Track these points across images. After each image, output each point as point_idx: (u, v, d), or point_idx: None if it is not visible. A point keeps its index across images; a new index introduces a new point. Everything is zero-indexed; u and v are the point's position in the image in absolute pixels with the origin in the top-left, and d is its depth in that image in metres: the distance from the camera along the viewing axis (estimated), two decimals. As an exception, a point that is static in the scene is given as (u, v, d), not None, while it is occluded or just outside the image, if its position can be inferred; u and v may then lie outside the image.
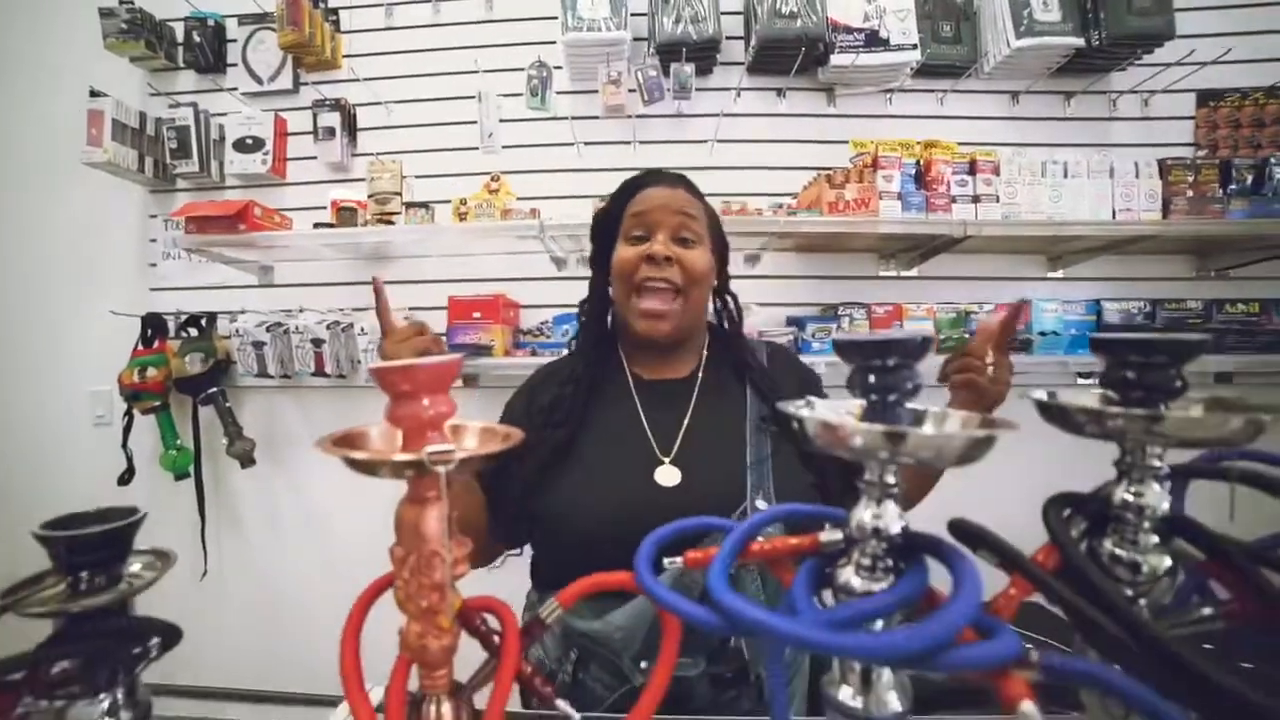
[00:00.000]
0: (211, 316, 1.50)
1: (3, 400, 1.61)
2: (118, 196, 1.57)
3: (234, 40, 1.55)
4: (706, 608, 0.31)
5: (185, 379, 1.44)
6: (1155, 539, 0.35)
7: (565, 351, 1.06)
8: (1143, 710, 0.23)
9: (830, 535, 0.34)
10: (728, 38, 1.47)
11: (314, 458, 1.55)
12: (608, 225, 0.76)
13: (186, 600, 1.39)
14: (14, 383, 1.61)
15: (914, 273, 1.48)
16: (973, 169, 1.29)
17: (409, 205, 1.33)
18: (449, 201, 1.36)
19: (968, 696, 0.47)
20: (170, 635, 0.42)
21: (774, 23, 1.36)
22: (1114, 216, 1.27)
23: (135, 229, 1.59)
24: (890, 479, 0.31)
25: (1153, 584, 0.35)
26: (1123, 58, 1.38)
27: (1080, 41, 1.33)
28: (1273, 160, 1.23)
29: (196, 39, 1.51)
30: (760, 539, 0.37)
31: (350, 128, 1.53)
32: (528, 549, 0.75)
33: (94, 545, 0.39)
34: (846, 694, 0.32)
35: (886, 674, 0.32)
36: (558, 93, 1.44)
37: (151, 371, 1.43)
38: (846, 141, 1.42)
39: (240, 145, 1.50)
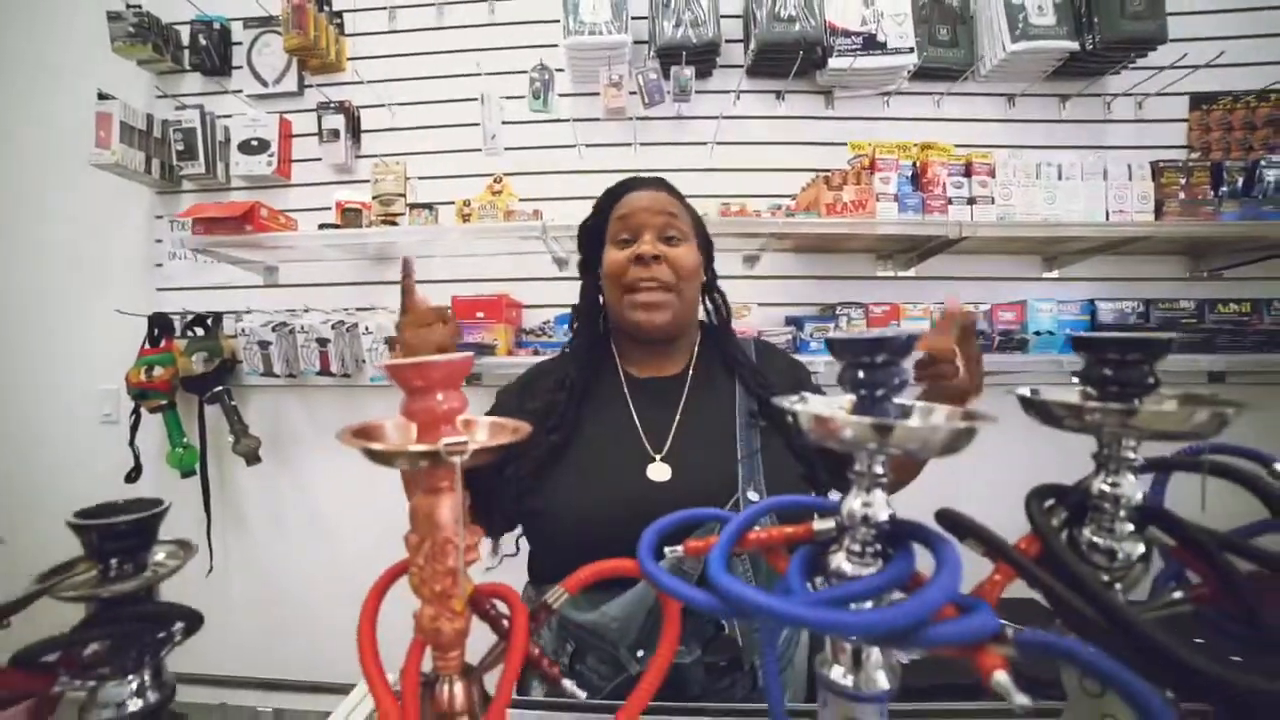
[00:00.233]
0: (217, 316, 1.52)
1: (11, 399, 1.63)
2: (124, 198, 1.59)
3: (239, 43, 1.57)
4: (706, 591, 0.33)
5: (191, 378, 1.46)
6: (1130, 527, 0.37)
7: (566, 351, 1.07)
8: (1106, 680, 0.25)
9: (823, 524, 0.36)
10: (727, 41, 1.49)
11: (319, 456, 1.58)
12: (594, 233, 0.79)
13: (193, 596, 1.39)
14: (22, 381, 1.63)
15: (911, 273, 1.50)
16: (968, 171, 1.31)
17: (413, 206, 1.35)
18: (452, 203, 1.38)
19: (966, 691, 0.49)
20: (193, 620, 0.44)
21: (773, 26, 1.38)
22: (1107, 218, 1.29)
23: (141, 230, 1.61)
24: (879, 469, 0.33)
25: (1128, 569, 0.37)
26: (1116, 61, 1.40)
27: (1075, 45, 1.35)
28: (1263, 163, 1.25)
29: (203, 42, 1.53)
30: (757, 528, 0.39)
31: (354, 130, 1.55)
32: (526, 549, 0.76)
33: (123, 534, 0.41)
34: (838, 673, 0.34)
35: (875, 654, 0.34)
36: (559, 95, 1.46)
37: (158, 370, 1.45)
38: (844, 143, 1.44)
39: (245, 147, 1.51)
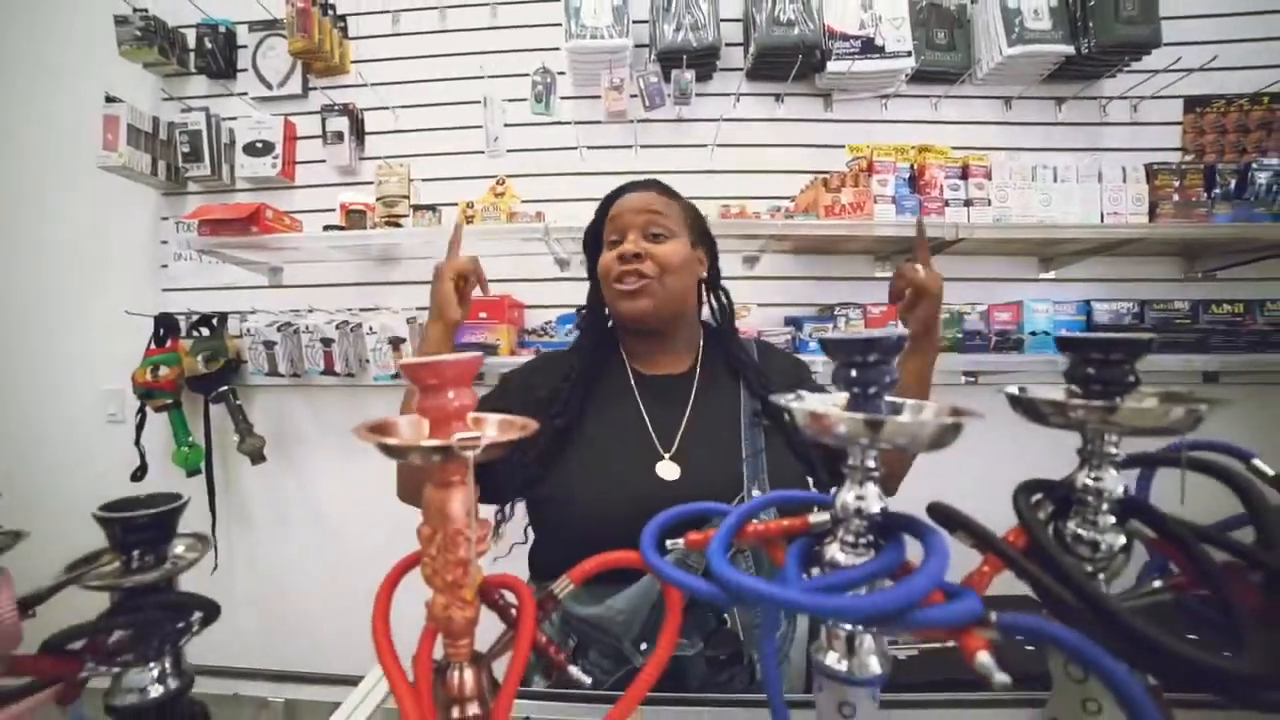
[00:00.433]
0: (222, 316, 1.53)
1: (17, 399, 1.65)
2: (130, 199, 1.60)
3: (244, 46, 1.59)
4: (707, 581, 0.34)
5: (197, 377, 1.48)
6: (1112, 519, 0.38)
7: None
8: (1081, 659, 0.26)
9: (818, 516, 0.38)
10: (727, 45, 1.50)
11: (322, 455, 1.60)
12: (595, 237, 0.82)
13: (198, 593, 1.42)
14: (28, 382, 1.64)
15: (909, 274, 1.52)
16: (965, 173, 1.33)
17: (416, 208, 1.37)
18: (455, 204, 1.39)
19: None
20: (210, 611, 0.46)
21: (772, 30, 1.40)
22: (1102, 220, 1.31)
23: (147, 231, 1.62)
24: (871, 463, 0.34)
25: (1110, 560, 0.38)
26: (1112, 65, 1.41)
27: (1070, 49, 1.37)
28: (1255, 166, 1.27)
29: (208, 45, 1.54)
30: (755, 521, 0.41)
31: (358, 132, 1.57)
32: (514, 530, 0.78)
33: (145, 527, 0.42)
34: (833, 659, 0.35)
35: (868, 640, 0.35)
36: (561, 98, 1.47)
37: (164, 370, 1.47)
38: (843, 146, 1.46)
39: (250, 149, 1.53)
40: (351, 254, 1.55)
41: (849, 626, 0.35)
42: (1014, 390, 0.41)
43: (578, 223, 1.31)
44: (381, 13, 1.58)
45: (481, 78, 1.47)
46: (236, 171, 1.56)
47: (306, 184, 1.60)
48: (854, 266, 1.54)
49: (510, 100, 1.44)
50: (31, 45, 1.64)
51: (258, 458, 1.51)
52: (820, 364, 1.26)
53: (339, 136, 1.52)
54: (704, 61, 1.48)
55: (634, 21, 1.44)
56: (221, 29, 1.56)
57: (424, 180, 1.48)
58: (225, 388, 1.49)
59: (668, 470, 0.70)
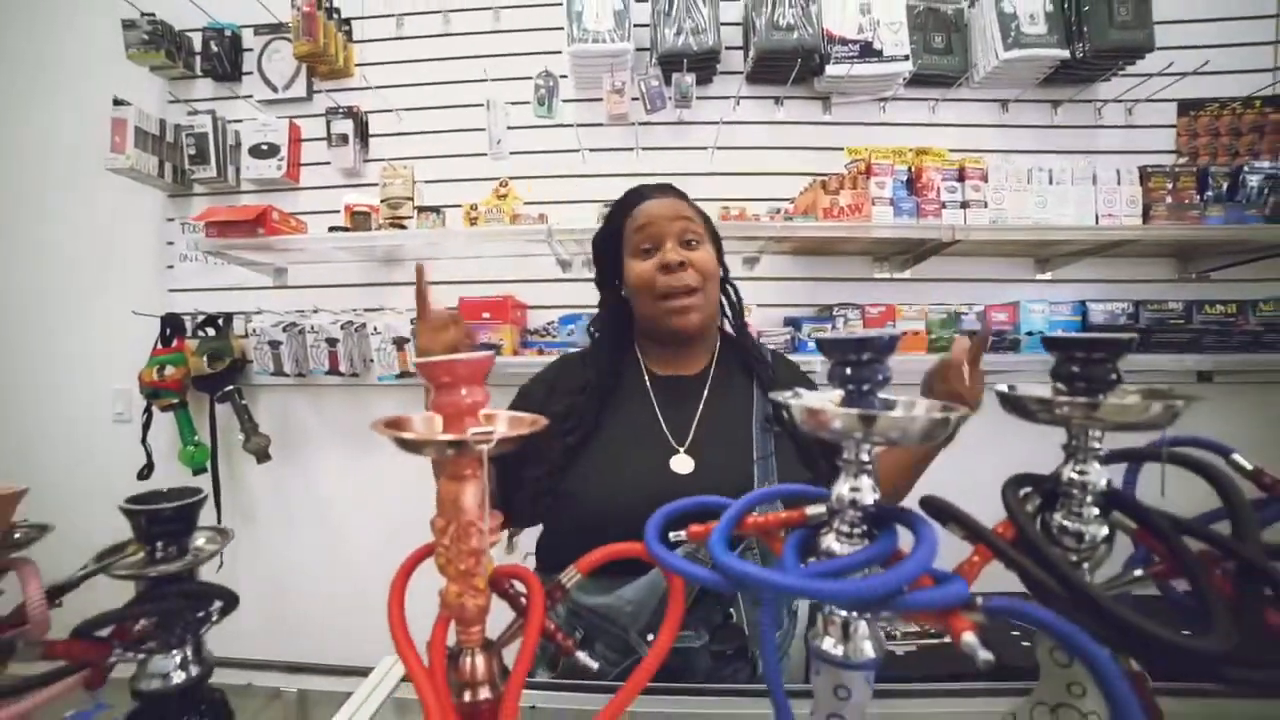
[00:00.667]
0: (228, 317, 1.55)
1: (26, 398, 1.66)
2: (136, 201, 1.62)
3: (250, 50, 1.61)
4: (707, 569, 0.36)
5: (202, 377, 1.49)
6: (1096, 511, 0.40)
7: (571, 350, 1.10)
8: (1058, 637, 0.28)
9: (815, 509, 0.39)
10: (727, 48, 1.52)
11: (327, 454, 1.61)
12: (610, 244, 0.81)
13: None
14: (35, 381, 1.66)
15: (907, 275, 1.54)
16: (962, 176, 1.35)
17: (421, 209, 1.38)
18: (459, 206, 1.41)
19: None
20: (229, 600, 0.48)
21: (772, 34, 1.41)
22: (1097, 222, 1.32)
23: (153, 232, 1.64)
24: (865, 457, 0.36)
25: (1094, 550, 0.40)
26: (1106, 68, 1.43)
27: (1065, 53, 1.39)
28: (1246, 169, 1.29)
29: (214, 49, 1.56)
30: (755, 514, 0.43)
31: (362, 134, 1.58)
32: (529, 540, 0.79)
33: (168, 519, 0.44)
34: (829, 644, 0.37)
35: (863, 626, 0.37)
36: (563, 101, 1.49)
37: (170, 370, 1.49)
38: (842, 148, 1.48)
39: (256, 151, 1.55)
40: (356, 255, 1.56)
41: (844, 613, 0.37)
42: (1003, 388, 0.42)
43: (580, 224, 1.34)
44: (385, 16, 1.60)
45: (484, 81, 1.49)
46: (242, 173, 1.58)
47: (311, 186, 1.61)
48: (852, 267, 1.56)
49: (513, 103, 1.46)
50: (39, 48, 1.65)
51: (263, 456, 1.52)
52: (818, 364, 1.27)
53: (343, 139, 1.54)
54: (704, 65, 1.50)
55: (635, 25, 1.46)
56: (227, 32, 1.58)
57: (427, 182, 1.50)
58: (231, 387, 1.51)
59: (682, 464, 0.71)
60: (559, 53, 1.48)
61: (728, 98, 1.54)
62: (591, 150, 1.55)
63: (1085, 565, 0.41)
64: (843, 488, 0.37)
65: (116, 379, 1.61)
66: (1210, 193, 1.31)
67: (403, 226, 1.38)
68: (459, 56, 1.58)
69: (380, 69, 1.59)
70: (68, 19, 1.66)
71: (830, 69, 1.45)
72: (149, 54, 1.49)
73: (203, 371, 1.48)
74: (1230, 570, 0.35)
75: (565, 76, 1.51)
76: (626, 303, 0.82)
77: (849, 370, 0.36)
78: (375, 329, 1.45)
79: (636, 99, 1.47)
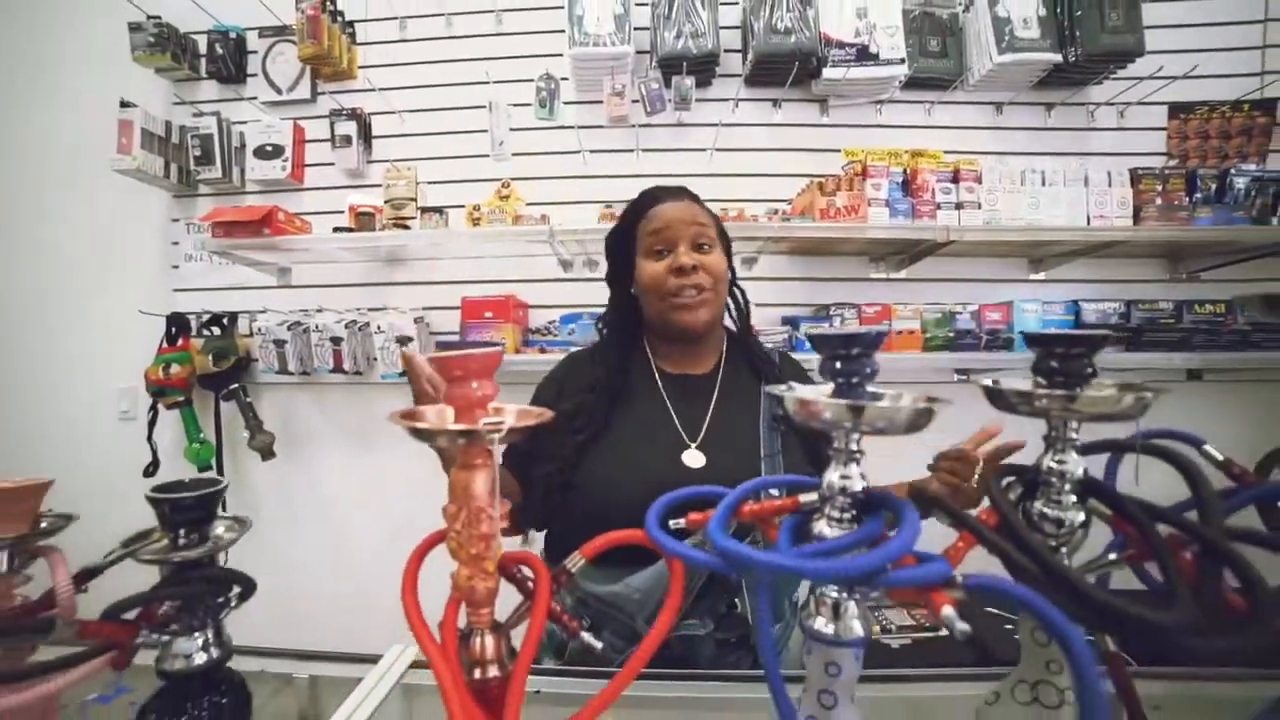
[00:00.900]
0: (233, 316, 1.57)
1: (34, 397, 1.68)
2: (141, 201, 1.64)
3: (254, 52, 1.63)
4: (704, 552, 0.38)
5: (208, 375, 1.51)
6: (1073, 498, 0.42)
7: (572, 350, 1.12)
8: (1030, 609, 0.30)
9: (808, 496, 0.42)
10: (726, 51, 1.54)
11: (331, 451, 1.63)
12: (624, 243, 0.83)
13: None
14: (44, 380, 1.68)
15: (902, 275, 1.56)
16: (956, 177, 1.37)
17: (424, 210, 1.40)
18: (462, 206, 1.43)
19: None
20: (248, 586, 0.50)
21: (770, 38, 1.44)
22: (1088, 223, 1.35)
23: (159, 233, 1.66)
24: (854, 445, 0.38)
25: (1071, 535, 0.42)
26: (1098, 72, 1.46)
27: (1058, 57, 1.41)
28: (1233, 171, 1.31)
29: (219, 51, 1.58)
30: (751, 502, 0.45)
31: (366, 136, 1.60)
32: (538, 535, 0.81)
33: (191, 507, 0.46)
34: (821, 623, 0.39)
35: (852, 606, 0.39)
36: (564, 103, 1.51)
37: (175, 368, 1.50)
38: (839, 150, 1.50)
39: (260, 152, 1.57)
40: (359, 255, 1.58)
41: (835, 595, 0.39)
42: (988, 383, 0.44)
43: (581, 225, 1.36)
44: (389, 19, 1.62)
45: (487, 83, 1.51)
46: (247, 174, 1.60)
47: (315, 186, 1.63)
48: (849, 267, 1.58)
49: (515, 105, 1.48)
50: (39, 48, 1.67)
51: (267, 454, 1.54)
52: (815, 361, 1.30)
53: (347, 140, 1.56)
54: (703, 68, 1.52)
55: (635, 29, 1.48)
56: (232, 35, 1.60)
57: (430, 183, 1.52)
58: (235, 385, 1.53)
59: (693, 459, 0.74)
60: (560, 55, 1.50)
61: (726, 100, 1.56)
62: (592, 152, 1.57)
63: (1064, 550, 0.43)
64: (833, 475, 0.39)
65: (122, 378, 1.63)
66: (1199, 194, 1.33)
67: (406, 227, 1.40)
68: (461, 59, 1.60)
69: (383, 71, 1.61)
70: (68, 19, 1.67)
71: (827, 72, 1.47)
72: (155, 56, 1.51)
73: (208, 370, 1.50)
74: (1195, 551, 0.37)
75: (566, 79, 1.53)
76: (635, 300, 0.83)
77: (839, 364, 0.38)
78: (379, 328, 1.47)
79: (637, 101, 1.49)
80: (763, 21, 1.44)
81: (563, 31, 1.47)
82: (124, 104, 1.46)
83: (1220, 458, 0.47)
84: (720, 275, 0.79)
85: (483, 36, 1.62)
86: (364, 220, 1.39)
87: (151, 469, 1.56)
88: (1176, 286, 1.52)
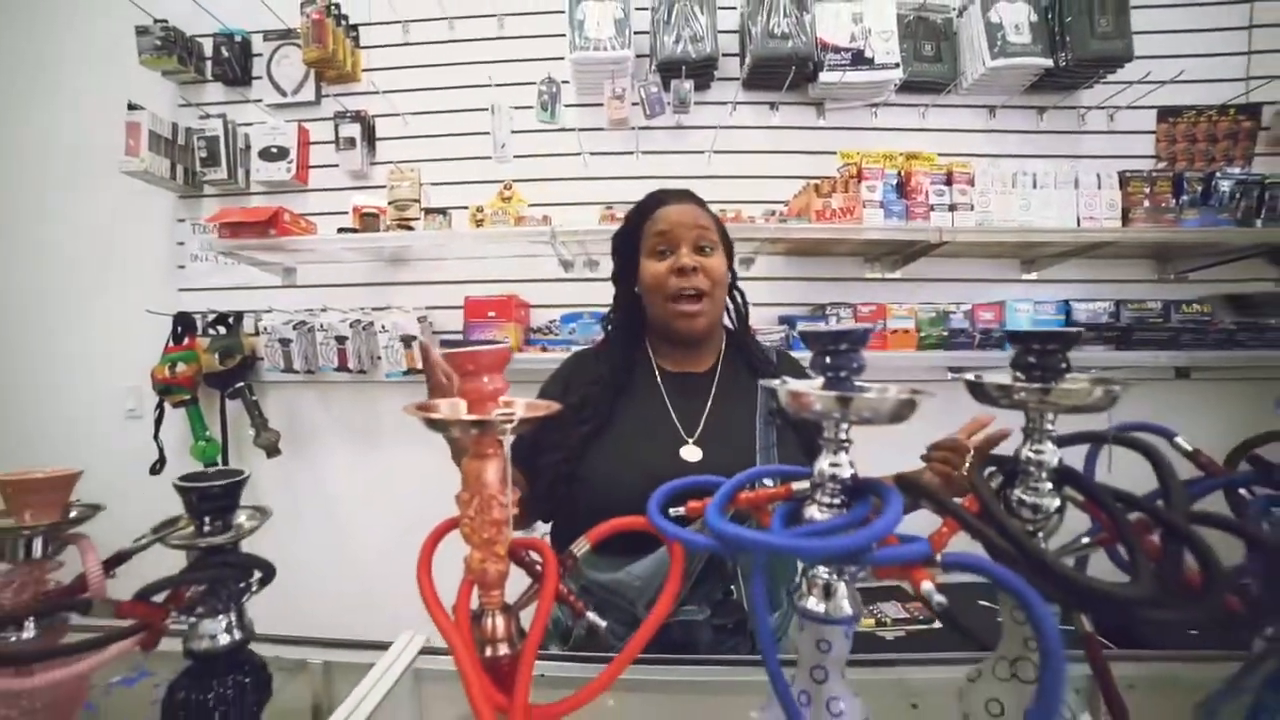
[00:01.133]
0: (239, 315, 1.59)
1: (40, 396, 1.70)
2: (146, 202, 1.66)
3: (259, 55, 1.65)
4: (702, 535, 0.41)
5: (214, 374, 1.53)
6: (1049, 486, 0.45)
7: (573, 348, 1.15)
8: (1000, 583, 0.33)
9: (800, 484, 0.44)
10: (724, 55, 1.57)
11: (335, 448, 1.65)
12: (629, 243, 0.86)
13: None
14: (52, 380, 1.70)
15: (897, 275, 1.59)
16: (949, 180, 1.40)
17: (428, 211, 1.43)
18: (465, 207, 1.46)
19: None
20: (268, 571, 0.52)
21: (767, 42, 1.46)
22: (1078, 224, 1.38)
23: (164, 233, 1.68)
24: (843, 435, 0.41)
25: (1047, 520, 0.45)
26: (1088, 77, 1.49)
27: (1049, 62, 1.44)
28: (1218, 175, 1.35)
29: (224, 54, 1.60)
30: (747, 490, 0.47)
31: (369, 138, 1.63)
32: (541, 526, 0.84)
33: (216, 495, 0.49)
34: (812, 602, 0.42)
35: (842, 587, 0.42)
36: (566, 106, 1.54)
37: (181, 367, 1.53)
38: (835, 152, 1.53)
39: (266, 154, 1.59)
40: (363, 255, 1.60)
41: (826, 576, 0.41)
42: (970, 377, 0.47)
43: (581, 226, 1.38)
44: (392, 23, 1.64)
45: (489, 86, 1.53)
46: (252, 175, 1.62)
47: (319, 188, 1.66)
48: (844, 268, 1.61)
49: (517, 108, 1.51)
50: (48, 51, 1.69)
51: (273, 451, 1.56)
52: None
53: (351, 142, 1.58)
54: (702, 71, 1.55)
55: (635, 33, 1.51)
56: (237, 38, 1.62)
57: (433, 184, 1.54)
58: (241, 384, 1.55)
59: (691, 453, 0.77)
60: (561, 59, 1.52)
61: (725, 103, 1.59)
62: (593, 154, 1.60)
63: (1040, 534, 0.46)
64: (823, 463, 0.41)
65: (127, 377, 1.65)
66: (1185, 197, 1.36)
67: (410, 228, 1.42)
68: (464, 62, 1.63)
69: (387, 74, 1.63)
70: (69, 19, 1.69)
71: (824, 76, 1.50)
72: (161, 60, 1.53)
73: (214, 368, 1.52)
74: (1160, 533, 0.40)
75: (567, 82, 1.56)
76: (639, 299, 0.86)
77: (828, 359, 0.40)
78: (383, 327, 1.49)
79: (636, 104, 1.52)
80: (760, 26, 1.46)
81: (563, 35, 1.49)
82: (132, 106, 1.48)
83: (1189, 449, 0.50)
84: (719, 278, 0.82)
85: (485, 40, 1.64)
86: (369, 221, 1.41)
87: (158, 466, 1.58)
88: (1165, 286, 1.55)
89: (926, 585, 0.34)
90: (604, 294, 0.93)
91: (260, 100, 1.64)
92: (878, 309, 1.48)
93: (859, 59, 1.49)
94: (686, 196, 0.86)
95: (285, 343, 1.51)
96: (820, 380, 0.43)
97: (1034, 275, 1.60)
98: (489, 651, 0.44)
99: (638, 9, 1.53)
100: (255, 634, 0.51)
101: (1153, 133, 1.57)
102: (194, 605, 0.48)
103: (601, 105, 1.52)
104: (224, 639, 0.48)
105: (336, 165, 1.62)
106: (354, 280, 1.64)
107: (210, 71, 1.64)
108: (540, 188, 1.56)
